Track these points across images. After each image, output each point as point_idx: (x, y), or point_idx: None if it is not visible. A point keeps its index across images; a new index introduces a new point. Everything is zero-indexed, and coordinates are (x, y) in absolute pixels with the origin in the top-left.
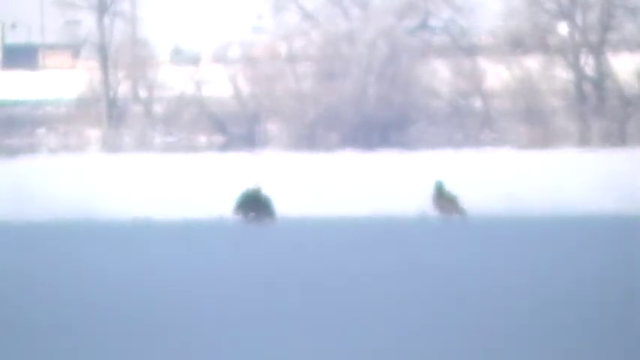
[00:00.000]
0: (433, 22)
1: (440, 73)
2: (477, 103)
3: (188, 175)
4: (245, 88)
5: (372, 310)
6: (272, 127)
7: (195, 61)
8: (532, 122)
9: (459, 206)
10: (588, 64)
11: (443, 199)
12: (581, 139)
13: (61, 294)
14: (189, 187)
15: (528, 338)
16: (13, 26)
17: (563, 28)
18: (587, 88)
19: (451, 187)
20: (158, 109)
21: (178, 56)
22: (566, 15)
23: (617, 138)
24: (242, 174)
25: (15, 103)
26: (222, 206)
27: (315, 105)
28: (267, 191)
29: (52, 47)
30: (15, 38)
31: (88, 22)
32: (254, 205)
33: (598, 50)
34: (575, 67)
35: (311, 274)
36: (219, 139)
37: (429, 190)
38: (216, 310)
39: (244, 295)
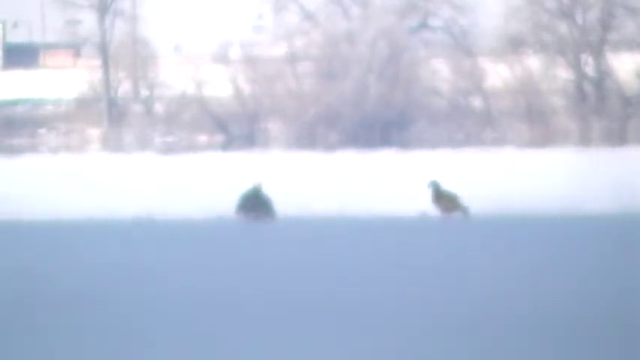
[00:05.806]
0: (433, 21)
1: (440, 73)
2: (478, 103)
3: (188, 174)
4: (245, 87)
5: (372, 310)
6: (272, 127)
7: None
8: (532, 122)
9: (460, 205)
10: (588, 64)
11: (442, 198)
12: (582, 138)
13: (62, 290)
14: (189, 186)
15: (529, 338)
16: (15, 26)
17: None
18: (588, 87)
19: (452, 187)
20: (159, 108)
21: (179, 55)
22: (567, 15)
23: (617, 138)
24: (242, 173)
25: (16, 103)
26: (223, 206)
27: (316, 104)
28: (267, 190)
29: (53, 47)
30: (16, 38)
31: (88, 21)
32: (255, 204)
33: (598, 50)
34: (576, 67)
35: (310, 274)
36: (219, 138)
37: (429, 190)
38: (215, 310)
39: (244, 295)
